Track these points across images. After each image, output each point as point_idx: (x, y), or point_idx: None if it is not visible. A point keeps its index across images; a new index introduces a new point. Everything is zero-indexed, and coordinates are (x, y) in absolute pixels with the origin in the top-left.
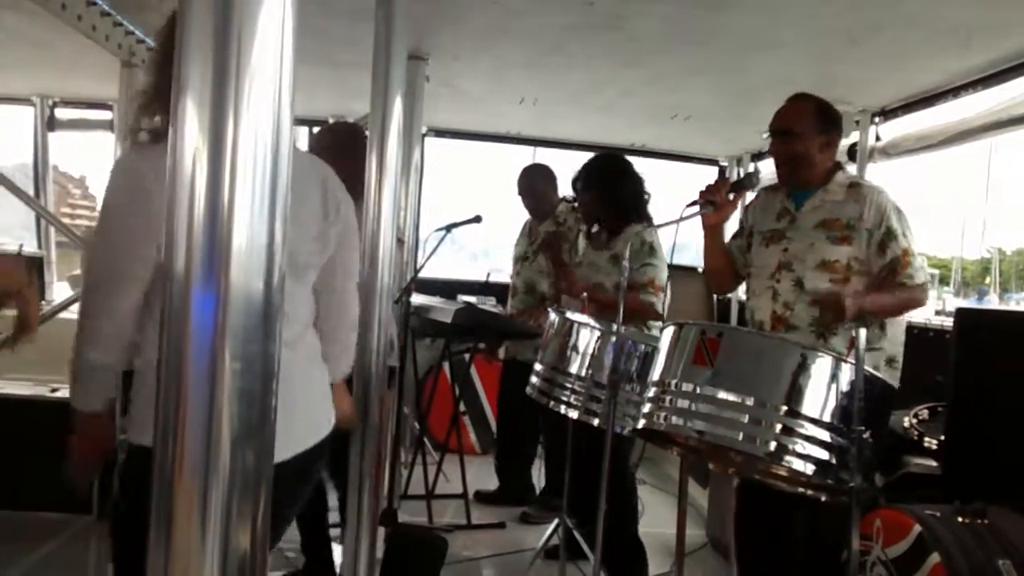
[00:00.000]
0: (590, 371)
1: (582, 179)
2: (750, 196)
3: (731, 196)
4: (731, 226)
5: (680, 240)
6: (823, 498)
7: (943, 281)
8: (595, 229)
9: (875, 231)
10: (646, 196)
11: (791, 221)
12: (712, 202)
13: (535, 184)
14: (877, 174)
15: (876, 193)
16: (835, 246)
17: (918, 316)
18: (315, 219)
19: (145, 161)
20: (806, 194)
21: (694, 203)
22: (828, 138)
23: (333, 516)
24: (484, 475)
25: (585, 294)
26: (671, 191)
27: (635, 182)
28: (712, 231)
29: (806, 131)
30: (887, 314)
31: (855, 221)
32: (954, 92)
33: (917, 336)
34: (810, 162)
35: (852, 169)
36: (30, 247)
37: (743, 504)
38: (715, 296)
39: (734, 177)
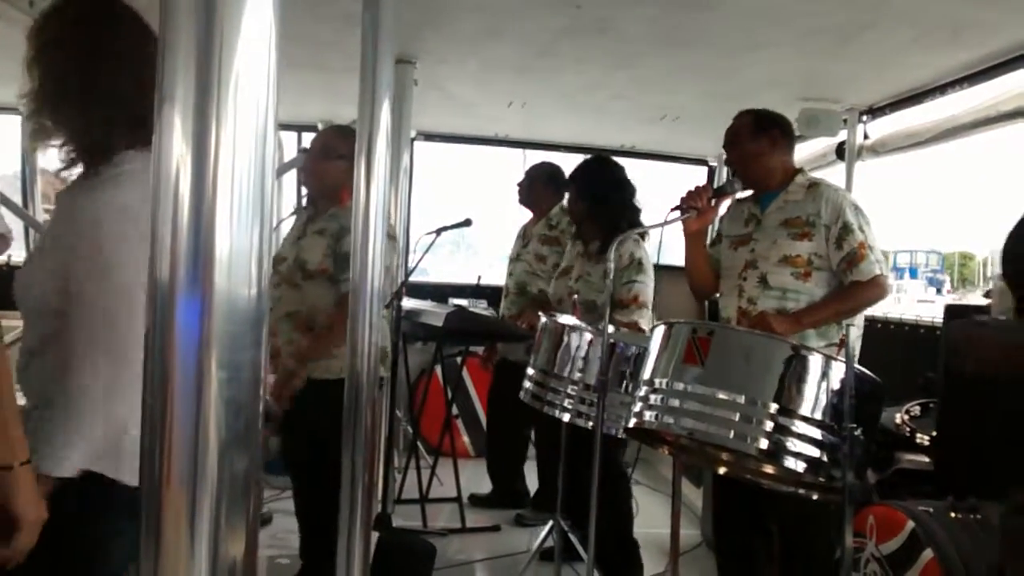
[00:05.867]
0: (581, 374)
1: (580, 188)
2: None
3: (713, 201)
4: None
5: (668, 239)
6: (815, 496)
7: None
8: (592, 244)
9: (832, 227)
10: (639, 207)
11: (757, 224)
12: (695, 208)
13: (537, 182)
14: (866, 172)
15: (833, 191)
16: (796, 242)
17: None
18: None
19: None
20: (769, 197)
21: (677, 207)
22: (770, 136)
23: None
24: (478, 478)
25: (575, 296)
26: (661, 191)
27: (631, 192)
28: (693, 237)
29: (745, 135)
30: (837, 319)
31: (814, 218)
32: (941, 89)
33: (908, 333)
34: (764, 162)
35: (840, 168)
36: (19, 258)
37: (721, 499)
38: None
39: (723, 178)
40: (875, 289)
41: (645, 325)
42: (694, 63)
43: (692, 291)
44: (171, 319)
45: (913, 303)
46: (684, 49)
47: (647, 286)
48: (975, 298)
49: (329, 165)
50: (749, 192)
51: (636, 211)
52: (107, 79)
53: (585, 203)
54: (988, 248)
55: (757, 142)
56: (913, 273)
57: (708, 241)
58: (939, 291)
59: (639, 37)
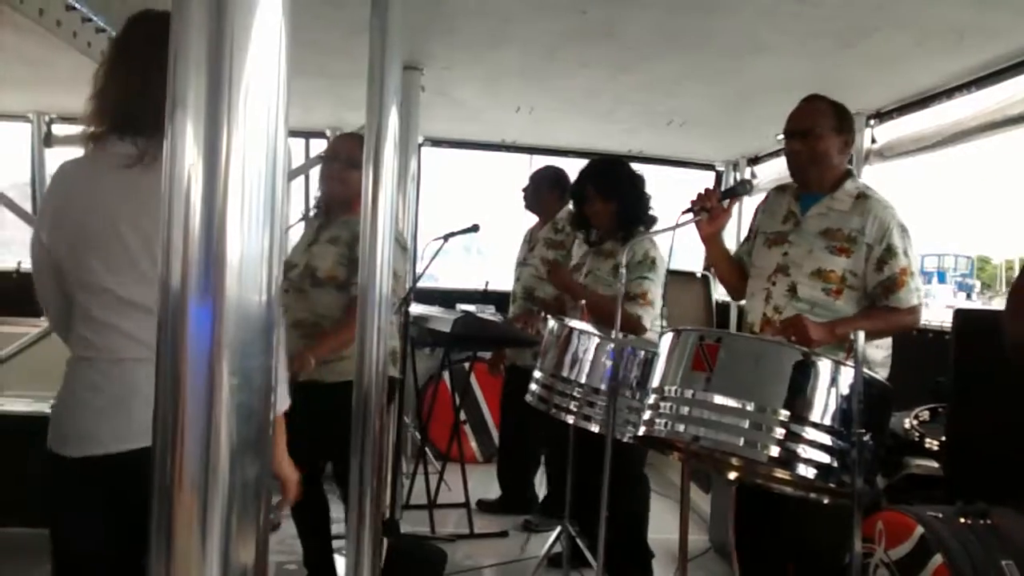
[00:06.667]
0: (589, 378)
1: (601, 186)
2: (750, 201)
3: (724, 203)
4: (729, 234)
5: (677, 245)
6: (825, 501)
7: None
8: (602, 240)
9: (875, 246)
10: (650, 196)
11: (795, 225)
12: (705, 209)
13: (541, 186)
14: (873, 175)
15: (882, 208)
16: (833, 256)
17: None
18: None
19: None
20: (813, 199)
21: (687, 211)
22: (845, 139)
23: (338, 527)
24: (486, 483)
25: (583, 300)
26: (668, 196)
27: (643, 185)
28: (710, 241)
29: (826, 130)
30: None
31: (856, 234)
32: (948, 93)
33: (917, 337)
34: (829, 163)
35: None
36: (29, 265)
37: (740, 507)
38: (714, 300)
39: (730, 182)
40: (909, 317)
41: (648, 323)
42: (699, 67)
43: (729, 295)
44: (183, 324)
45: (942, 309)
46: (689, 53)
47: (657, 285)
48: (1000, 303)
49: (354, 174)
50: (761, 189)
51: (649, 202)
52: (135, 82)
53: (613, 200)
54: (1005, 251)
55: (833, 140)
56: (941, 277)
57: (740, 240)
58: (969, 296)
59: (645, 41)
